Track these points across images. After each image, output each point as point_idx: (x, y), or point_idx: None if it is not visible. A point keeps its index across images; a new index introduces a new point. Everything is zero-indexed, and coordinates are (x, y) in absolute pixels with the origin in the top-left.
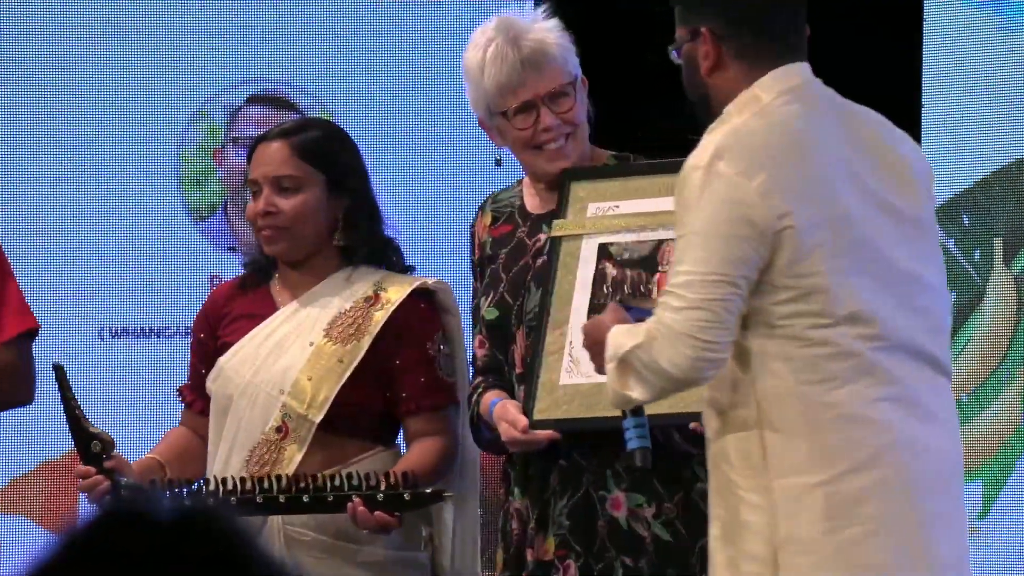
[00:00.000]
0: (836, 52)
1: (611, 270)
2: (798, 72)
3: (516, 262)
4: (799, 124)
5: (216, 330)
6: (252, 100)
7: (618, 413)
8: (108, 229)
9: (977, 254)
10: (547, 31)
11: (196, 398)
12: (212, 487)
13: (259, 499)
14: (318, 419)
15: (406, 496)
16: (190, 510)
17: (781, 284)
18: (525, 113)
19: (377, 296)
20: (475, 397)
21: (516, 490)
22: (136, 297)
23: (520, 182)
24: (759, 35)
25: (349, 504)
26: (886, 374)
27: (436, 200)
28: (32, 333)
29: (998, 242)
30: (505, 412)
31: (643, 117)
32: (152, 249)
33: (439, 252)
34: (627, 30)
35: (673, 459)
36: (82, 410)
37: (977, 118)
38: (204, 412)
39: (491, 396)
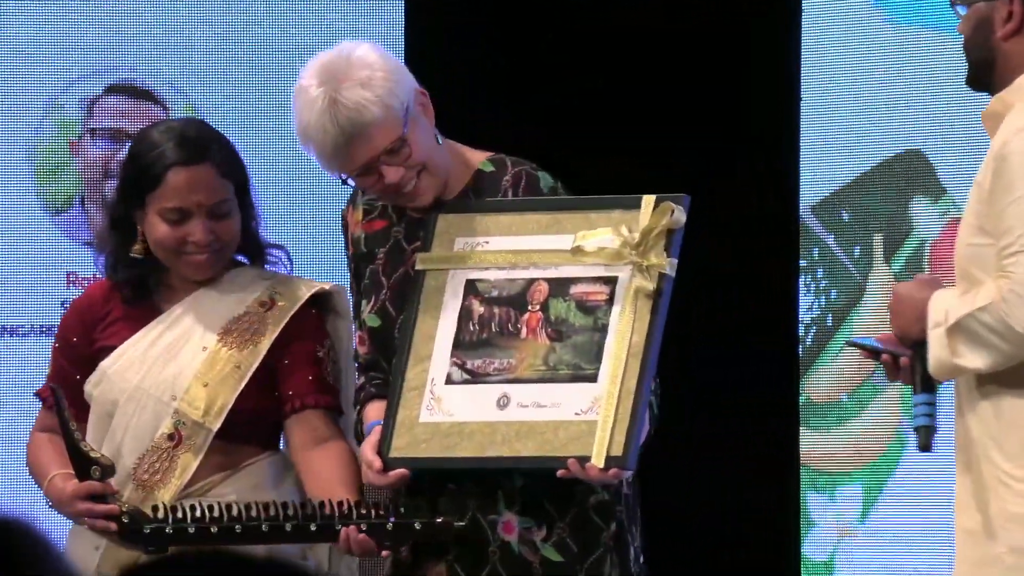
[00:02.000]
0: (713, 44)
1: (478, 307)
2: None
3: (396, 268)
4: None
5: (92, 332)
6: (110, 90)
7: (478, 455)
8: None
9: (857, 251)
10: (363, 86)
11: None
12: (198, 514)
13: (238, 528)
14: (216, 427)
15: (416, 526)
16: None
17: None
18: (366, 175)
19: (272, 301)
20: (359, 408)
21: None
22: None
23: None
24: None
25: (347, 532)
26: None
27: (300, 193)
28: None
29: (878, 239)
30: (363, 451)
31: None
32: (5, 244)
33: (302, 250)
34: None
35: (563, 478)
36: (81, 432)
37: (856, 112)
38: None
39: (373, 414)
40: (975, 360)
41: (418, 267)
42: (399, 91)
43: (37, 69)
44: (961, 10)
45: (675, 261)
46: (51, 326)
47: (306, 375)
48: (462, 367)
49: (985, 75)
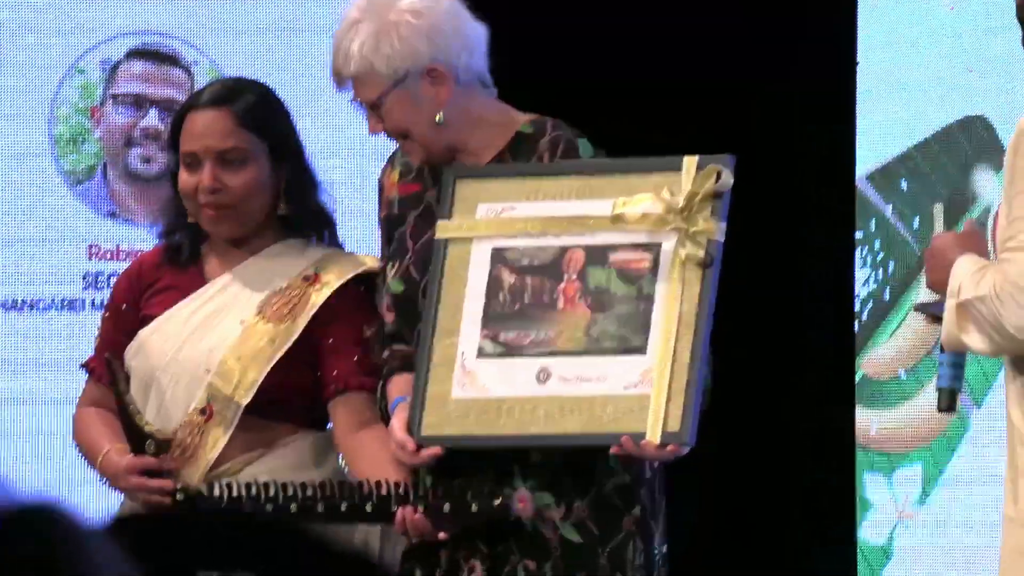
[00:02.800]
0: (768, 11)
1: (508, 277)
2: None
3: (423, 232)
4: None
5: (140, 300)
6: (132, 54)
7: (520, 432)
8: None
9: (916, 221)
10: (367, 37)
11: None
12: (253, 492)
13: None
14: (245, 401)
15: (473, 508)
16: (23, 509)
17: None
18: (361, 109)
19: (317, 276)
20: (381, 383)
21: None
22: (8, 267)
23: None
24: None
25: (403, 513)
26: None
27: (333, 163)
28: None
29: (938, 208)
30: (393, 431)
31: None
32: (24, 216)
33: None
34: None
35: (586, 454)
36: (136, 405)
37: (916, 77)
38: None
39: (396, 389)
40: (978, 343)
41: (438, 236)
42: (399, 57)
43: (56, 32)
44: None
45: (724, 226)
46: (72, 300)
47: (351, 356)
48: (495, 340)
49: None
